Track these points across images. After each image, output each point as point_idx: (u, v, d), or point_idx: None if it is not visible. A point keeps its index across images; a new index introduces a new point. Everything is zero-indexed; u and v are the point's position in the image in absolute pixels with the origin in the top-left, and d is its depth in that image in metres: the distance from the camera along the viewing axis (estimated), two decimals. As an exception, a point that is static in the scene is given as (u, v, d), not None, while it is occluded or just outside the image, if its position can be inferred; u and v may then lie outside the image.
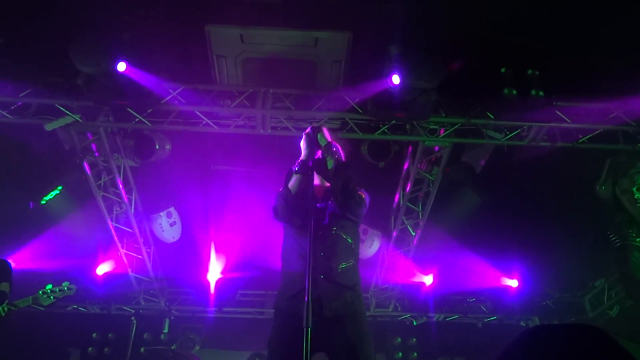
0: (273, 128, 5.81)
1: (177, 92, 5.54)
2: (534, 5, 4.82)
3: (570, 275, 8.61)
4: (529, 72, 5.18)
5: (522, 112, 5.30)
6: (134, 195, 6.95)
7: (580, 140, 5.85)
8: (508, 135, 5.84)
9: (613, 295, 8.49)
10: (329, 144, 3.35)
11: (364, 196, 3.51)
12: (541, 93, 5.15)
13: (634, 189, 3.38)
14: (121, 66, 4.78)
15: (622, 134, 5.83)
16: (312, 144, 3.36)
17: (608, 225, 3.41)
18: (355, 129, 5.76)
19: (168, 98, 5.52)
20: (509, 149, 6.13)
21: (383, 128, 5.78)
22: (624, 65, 5.12)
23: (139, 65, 4.97)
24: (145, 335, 8.53)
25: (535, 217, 6.90)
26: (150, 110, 5.64)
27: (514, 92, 5.13)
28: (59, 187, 6.17)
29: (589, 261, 7.69)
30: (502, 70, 5.18)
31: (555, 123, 5.64)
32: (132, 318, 7.34)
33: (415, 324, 8.93)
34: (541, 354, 1.58)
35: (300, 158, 3.37)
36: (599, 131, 5.78)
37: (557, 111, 5.54)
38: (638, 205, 3.35)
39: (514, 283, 8.43)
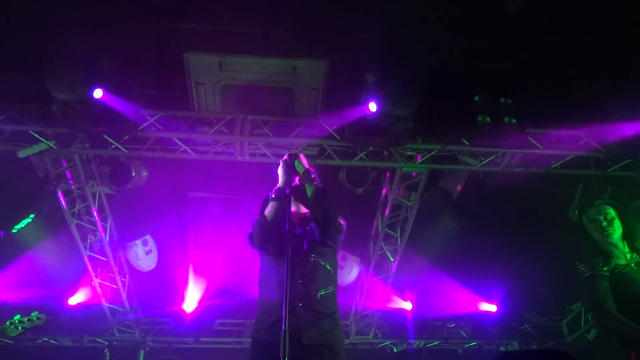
0: (251, 155, 5.81)
1: (154, 118, 5.51)
2: (507, 35, 4.98)
3: (547, 299, 8.68)
4: (502, 100, 5.33)
5: (495, 138, 5.42)
6: (109, 223, 6.81)
7: (552, 166, 5.99)
8: (483, 161, 5.94)
9: (590, 319, 8.56)
10: (307, 171, 3.36)
11: (343, 222, 3.51)
12: (514, 120, 5.29)
13: (601, 218, 3.44)
14: (97, 93, 4.75)
15: (592, 160, 5.99)
16: (290, 171, 3.36)
17: (577, 255, 3.46)
18: (333, 155, 5.80)
19: (145, 125, 5.49)
20: (484, 175, 6.23)
21: (361, 154, 5.83)
22: (593, 92, 5.30)
23: (116, 91, 4.94)
24: (118, 368, 8.26)
25: (511, 241, 6.98)
26: (127, 137, 5.60)
27: (488, 119, 5.25)
28: (31, 215, 6.01)
29: (565, 285, 7.77)
30: (476, 98, 5.31)
31: (528, 149, 5.76)
32: (105, 350, 7.14)
33: (395, 350, 8.84)
34: None
35: (277, 185, 3.36)
36: (570, 157, 5.93)
37: (529, 138, 5.68)
38: (605, 233, 3.40)
39: (492, 308, 8.46)
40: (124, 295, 7.57)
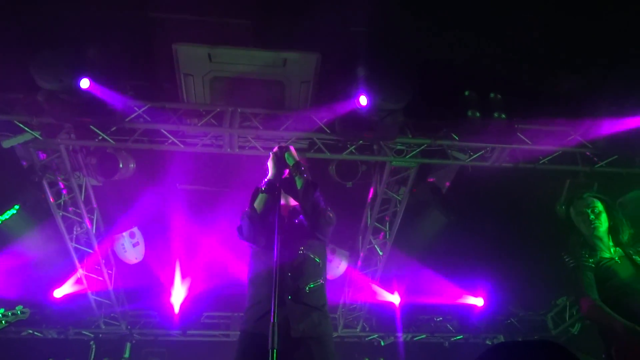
0: (240, 147, 5.78)
1: (142, 110, 5.46)
2: (497, 31, 4.99)
3: (533, 294, 8.78)
4: (492, 95, 5.34)
5: (485, 133, 5.45)
6: (95, 214, 6.75)
7: (541, 162, 6.03)
8: (472, 156, 5.97)
9: (575, 313, 8.68)
10: (297, 163, 3.34)
11: (332, 215, 3.50)
12: (503, 115, 5.32)
13: (589, 211, 3.49)
14: (84, 83, 4.68)
15: (580, 156, 6.05)
16: (280, 163, 3.34)
17: (563, 247, 3.51)
18: (323, 148, 5.78)
19: (133, 116, 5.43)
20: (473, 170, 6.27)
21: (351, 148, 5.82)
22: (582, 89, 5.34)
23: (104, 82, 4.88)
24: (104, 361, 8.20)
25: (499, 236, 7.04)
26: (114, 128, 5.53)
27: (477, 114, 5.27)
28: (16, 206, 5.94)
29: (551, 279, 7.86)
30: (466, 93, 5.32)
31: (516, 145, 5.80)
32: (91, 343, 7.08)
33: (383, 344, 8.90)
34: None
35: (267, 177, 3.34)
36: (558, 153, 5.98)
37: (518, 133, 5.72)
38: (592, 226, 3.45)
39: (479, 302, 8.54)
40: (110, 287, 7.52)
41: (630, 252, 3.42)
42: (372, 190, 6.67)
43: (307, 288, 3.19)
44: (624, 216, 3.55)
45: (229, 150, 5.73)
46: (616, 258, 3.39)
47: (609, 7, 4.77)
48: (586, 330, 8.46)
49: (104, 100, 4.95)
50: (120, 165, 5.95)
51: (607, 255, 3.41)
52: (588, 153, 6.00)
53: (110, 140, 5.58)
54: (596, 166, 6.04)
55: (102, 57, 4.90)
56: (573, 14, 4.83)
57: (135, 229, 7.07)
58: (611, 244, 3.47)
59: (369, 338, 8.92)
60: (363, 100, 4.96)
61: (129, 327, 8.21)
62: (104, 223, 6.95)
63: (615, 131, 5.50)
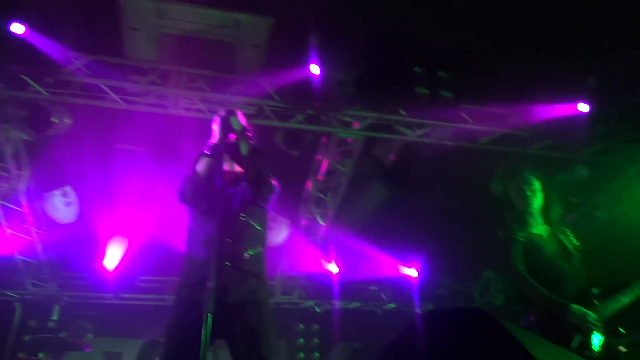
0: (186, 109, 5.62)
1: (81, 62, 5.15)
2: (450, 9, 5.05)
3: (462, 266, 9.24)
4: (440, 73, 5.45)
5: (431, 110, 5.57)
6: (25, 171, 6.38)
7: (480, 142, 6.26)
8: (417, 132, 6.10)
9: (499, 285, 9.24)
10: (243, 129, 3.27)
11: (275, 183, 3.48)
12: (449, 94, 5.45)
13: (526, 187, 3.68)
14: (17, 28, 4.36)
15: (517, 138, 6.33)
16: (226, 127, 3.25)
17: (497, 221, 3.70)
18: (271, 116, 5.72)
19: (71, 68, 5.12)
20: (417, 146, 6.41)
21: (299, 117, 5.79)
22: (524, 73, 5.54)
23: (40, 29, 4.56)
24: (30, 323, 7.88)
25: (436, 211, 7.29)
26: (50, 79, 5.20)
27: (425, 91, 5.37)
28: None
29: (479, 254, 8.28)
30: (416, 69, 5.40)
31: (460, 124, 5.98)
32: (16, 304, 6.78)
33: (318, 311, 9.11)
34: (434, 335, 1.70)
35: (212, 141, 3.26)
36: (497, 134, 6.22)
37: (462, 113, 5.88)
38: (527, 202, 3.65)
39: (413, 273, 8.88)
40: (39, 248, 7.21)
41: (557, 230, 3.66)
42: (317, 160, 6.69)
43: (246, 254, 3.18)
44: (555, 196, 3.78)
45: (173, 111, 5.55)
46: (544, 235, 3.61)
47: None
48: (508, 301, 9.03)
49: (39, 48, 4.63)
50: (55, 120, 5.61)
51: (536, 231, 3.61)
52: (524, 136, 6.28)
53: (45, 91, 5.25)
54: (530, 149, 6.34)
55: (38, 2, 4.56)
56: (519, 6, 4.97)
57: (68, 188, 6.76)
58: (541, 221, 3.67)
59: (305, 305, 9.10)
60: (315, 69, 4.93)
61: (58, 288, 7.93)
62: (35, 180, 6.58)
63: (551, 116, 5.79)
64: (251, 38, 5.33)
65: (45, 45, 4.68)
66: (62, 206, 6.75)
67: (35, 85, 5.18)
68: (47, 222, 7.07)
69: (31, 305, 7.77)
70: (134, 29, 5.19)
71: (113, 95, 5.37)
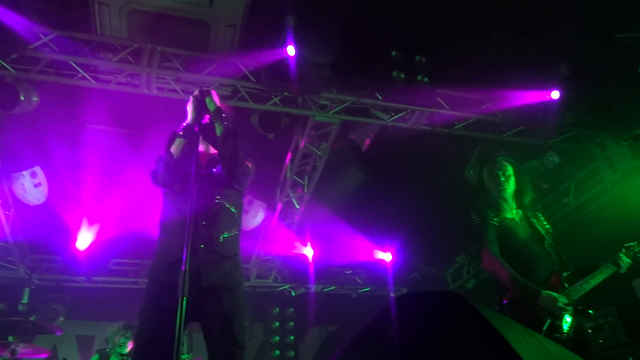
0: (159, 89, 5.48)
1: (48, 37, 4.96)
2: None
3: (436, 251, 9.39)
4: (417, 58, 5.44)
5: (407, 95, 5.57)
6: (-10, 150, 6.18)
7: (455, 127, 6.31)
8: (393, 116, 6.11)
9: (471, 270, 9.43)
10: (218, 109, 3.21)
11: (251, 166, 3.44)
12: (426, 79, 5.45)
13: (500, 173, 3.74)
14: (-21, 0, 4.15)
15: (491, 124, 6.40)
16: (200, 107, 3.19)
17: (470, 206, 3.76)
18: (247, 97, 5.64)
19: (38, 44, 4.93)
20: (393, 130, 6.43)
21: (275, 99, 5.72)
22: (499, 59, 5.57)
23: (5, 2, 4.36)
24: (-1, 306, 7.73)
25: (411, 195, 7.36)
26: (15, 55, 5.00)
27: (402, 75, 5.36)
28: None
29: (452, 239, 8.41)
30: (393, 53, 5.38)
31: (436, 109, 6.00)
32: (-16, 287, 6.61)
33: (293, 294, 9.16)
34: (408, 318, 1.71)
35: (186, 121, 3.20)
36: (472, 120, 6.27)
37: (438, 98, 5.90)
38: (501, 187, 3.71)
39: (388, 257, 8.98)
40: (7, 229, 7.01)
41: (529, 214, 3.74)
42: (293, 143, 6.65)
43: (220, 237, 3.15)
44: (529, 181, 3.85)
45: (145, 90, 5.41)
46: (517, 219, 3.68)
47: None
48: (479, 285, 9.25)
49: (3, 22, 4.43)
50: (21, 98, 5.41)
51: (509, 215, 3.68)
52: (498, 122, 6.35)
53: (10, 68, 5.05)
54: (504, 135, 6.43)
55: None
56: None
57: (37, 169, 6.56)
58: (514, 205, 3.75)
59: (281, 288, 9.13)
60: (291, 50, 4.87)
61: (28, 271, 7.76)
62: (2, 160, 6.38)
63: (525, 103, 5.86)
64: (226, 17, 5.20)
65: (10, 19, 4.47)
66: (30, 187, 6.55)
67: (1, 61, 4.98)
68: (16, 203, 6.88)
69: (0, 288, 7.59)
70: (103, 3, 5.00)
71: (82, 72, 5.20)
